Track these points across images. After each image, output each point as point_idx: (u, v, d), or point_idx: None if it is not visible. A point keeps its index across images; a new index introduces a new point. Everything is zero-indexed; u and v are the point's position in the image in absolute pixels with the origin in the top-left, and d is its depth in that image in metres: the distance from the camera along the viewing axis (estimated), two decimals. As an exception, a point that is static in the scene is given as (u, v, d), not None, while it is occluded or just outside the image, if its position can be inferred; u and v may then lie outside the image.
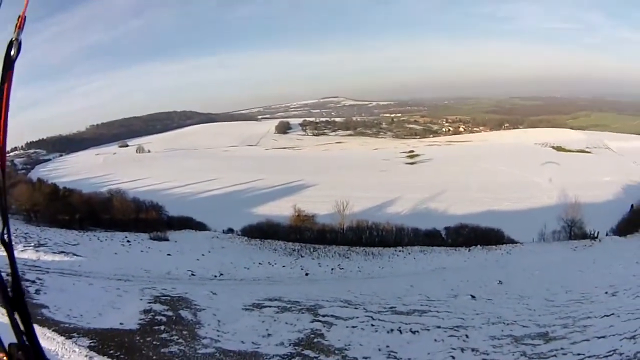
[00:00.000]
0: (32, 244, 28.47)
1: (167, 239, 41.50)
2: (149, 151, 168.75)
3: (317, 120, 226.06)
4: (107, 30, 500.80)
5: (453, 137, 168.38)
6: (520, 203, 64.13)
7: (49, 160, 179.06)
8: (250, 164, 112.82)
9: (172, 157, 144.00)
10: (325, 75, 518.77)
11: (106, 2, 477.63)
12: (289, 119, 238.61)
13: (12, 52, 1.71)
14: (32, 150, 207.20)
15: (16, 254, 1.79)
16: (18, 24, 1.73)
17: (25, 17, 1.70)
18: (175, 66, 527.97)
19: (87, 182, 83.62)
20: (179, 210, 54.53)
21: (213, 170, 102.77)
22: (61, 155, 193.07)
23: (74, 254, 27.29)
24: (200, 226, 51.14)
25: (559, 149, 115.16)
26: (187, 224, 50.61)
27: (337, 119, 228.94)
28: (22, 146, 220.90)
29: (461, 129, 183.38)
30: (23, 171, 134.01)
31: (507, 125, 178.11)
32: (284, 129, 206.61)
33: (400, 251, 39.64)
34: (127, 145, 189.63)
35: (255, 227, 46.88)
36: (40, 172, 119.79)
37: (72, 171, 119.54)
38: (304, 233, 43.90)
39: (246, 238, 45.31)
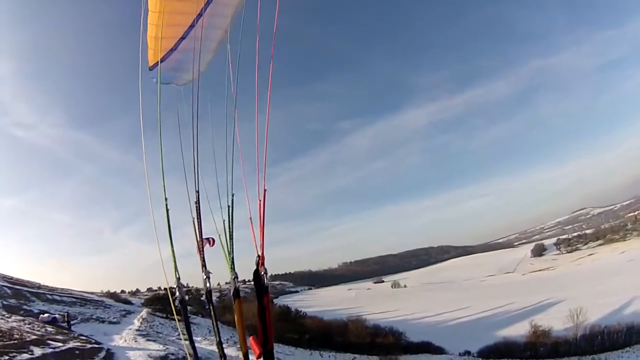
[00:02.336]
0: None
1: (399, 362, 43.14)
2: (405, 286, 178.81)
3: (570, 237, 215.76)
4: (349, 174, 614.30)
5: None
6: None
7: (297, 292, 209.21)
8: (504, 290, 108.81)
9: (428, 290, 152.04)
10: (570, 188, 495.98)
11: (346, 146, 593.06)
12: (543, 241, 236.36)
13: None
14: (277, 282, 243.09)
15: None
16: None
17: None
18: (429, 202, 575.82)
19: (332, 313, 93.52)
20: (421, 337, 57.43)
21: (467, 299, 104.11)
22: (310, 289, 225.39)
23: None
24: (438, 350, 52.89)
25: None
26: (425, 348, 52.69)
27: (587, 231, 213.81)
28: None
29: None
30: None
31: None
32: (539, 251, 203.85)
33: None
34: (382, 282, 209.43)
35: (492, 348, 47.24)
36: (285, 301, 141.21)
37: (320, 303, 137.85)
38: (538, 349, 41.83)
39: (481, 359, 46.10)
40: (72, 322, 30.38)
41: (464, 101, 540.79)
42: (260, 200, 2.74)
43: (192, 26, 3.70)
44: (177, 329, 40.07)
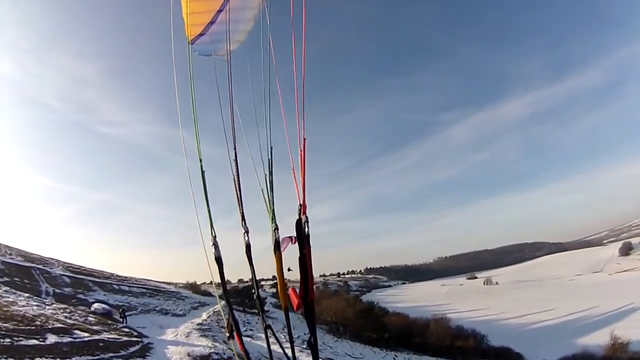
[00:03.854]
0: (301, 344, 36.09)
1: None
2: (496, 283, 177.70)
3: None
4: (448, 167, 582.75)
5: None
6: None
7: (389, 286, 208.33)
8: (590, 291, 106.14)
9: (517, 288, 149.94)
10: None
11: (446, 138, 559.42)
12: (631, 239, 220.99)
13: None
14: (371, 276, 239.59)
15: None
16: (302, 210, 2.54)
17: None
18: (525, 196, 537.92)
19: (421, 309, 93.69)
20: (504, 341, 57.68)
21: (554, 300, 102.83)
22: (404, 283, 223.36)
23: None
24: (517, 357, 52.80)
25: None
26: (504, 354, 52.34)
27: None
28: (360, 271, 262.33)
29: None
30: (357, 292, 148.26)
31: None
32: (626, 250, 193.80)
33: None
34: (475, 278, 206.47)
35: (569, 359, 47.41)
36: (377, 295, 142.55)
37: (411, 298, 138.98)
38: (614, 363, 43.43)
39: (557, 369, 45.81)
40: (127, 314, 29.51)
41: (560, 90, 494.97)
42: (301, 150, 2.64)
43: None
44: (249, 323, 38.36)
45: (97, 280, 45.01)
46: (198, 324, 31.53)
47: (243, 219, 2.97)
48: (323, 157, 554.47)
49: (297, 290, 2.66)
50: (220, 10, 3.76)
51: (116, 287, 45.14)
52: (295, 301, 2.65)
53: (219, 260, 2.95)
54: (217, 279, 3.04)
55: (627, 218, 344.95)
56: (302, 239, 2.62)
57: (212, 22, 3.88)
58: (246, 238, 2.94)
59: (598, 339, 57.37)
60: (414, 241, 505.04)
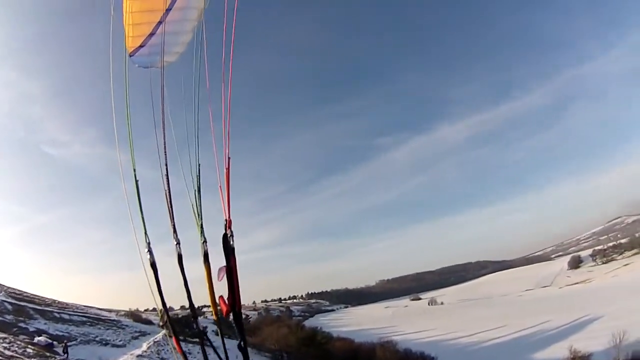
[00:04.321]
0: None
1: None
2: (442, 303, 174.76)
3: (605, 247, 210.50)
4: (386, 190, 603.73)
5: None
6: None
7: (332, 310, 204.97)
8: (542, 306, 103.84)
9: (464, 307, 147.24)
10: (606, 197, 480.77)
11: (384, 162, 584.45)
12: (580, 252, 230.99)
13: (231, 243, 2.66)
14: (313, 300, 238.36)
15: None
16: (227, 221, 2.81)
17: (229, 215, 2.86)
18: (466, 217, 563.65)
19: (367, 332, 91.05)
20: None
21: (504, 316, 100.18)
22: (346, 307, 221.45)
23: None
24: None
25: None
26: None
27: (622, 241, 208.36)
28: (301, 296, 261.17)
29: None
30: (300, 317, 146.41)
31: None
32: (576, 263, 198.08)
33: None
34: (419, 299, 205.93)
35: None
36: (321, 320, 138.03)
37: (355, 322, 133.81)
38: (577, 377, 39.93)
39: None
40: (69, 345, 29.52)
41: (499, 114, 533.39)
42: (226, 168, 3.03)
43: (168, 10, 3.87)
44: (191, 354, 36.15)
45: (38, 307, 44.66)
46: (138, 356, 32.67)
47: (175, 230, 3.21)
48: (261, 183, 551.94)
49: (227, 300, 2.99)
50: (160, 22, 3.89)
51: (57, 315, 44.67)
52: (224, 308, 2.99)
53: (153, 266, 3.15)
54: (154, 284, 3.24)
55: (574, 233, 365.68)
56: (229, 251, 2.98)
57: (152, 34, 3.98)
58: (178, 249, 3.16)
59: (556, 353, 53.94)
60: (354, 265, 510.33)
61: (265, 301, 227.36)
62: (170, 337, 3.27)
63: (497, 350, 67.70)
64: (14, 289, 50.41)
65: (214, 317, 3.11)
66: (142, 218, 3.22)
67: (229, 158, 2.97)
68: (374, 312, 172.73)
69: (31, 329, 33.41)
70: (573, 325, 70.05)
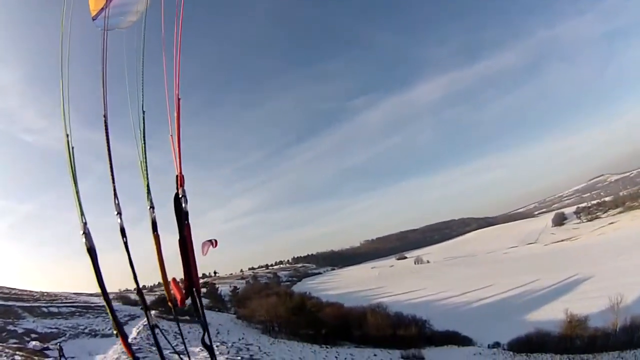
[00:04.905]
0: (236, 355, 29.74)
1: (422, 358, 39.74)
2: (428, 262, 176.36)
3: (589, 205, 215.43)
4: (364, 151, 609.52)
5: None
6: None
7: (319, 273, 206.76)
8: (528, 265, 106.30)
9: (451, 265, 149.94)
10: (586, 155, 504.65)
11: (359, 124, 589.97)
12: (563, 209, 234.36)
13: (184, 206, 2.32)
14: (300, 265, 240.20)
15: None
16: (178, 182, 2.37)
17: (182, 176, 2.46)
18: (445, 176, 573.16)
19: (354, 295, 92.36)
20: (448, 324, 54.15)
21: (491, 275, 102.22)
22: (333, 269, 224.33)
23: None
24: (465, 341, 49.07)
25: None
26: (451, 339, 48.91)
27: (606, 199, 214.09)
28: (288, 260, 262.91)
29: None
30: (288, 283, 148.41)
31: None
32: (560, 220, 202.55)
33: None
34: (405, 258, 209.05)
35: (523, 340, 43.31)
36: (308, 284, 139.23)
37: (342, 284, 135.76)
38: (574, 341, 39.52)
39: (511, 353, 42.55)
40: (57, 342, 28.52)
41: (473, 73, 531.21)
42: (176, 112, 2.39)
43: None
44: (182, 336, 35.53)
45: (26, 305, 43.52)
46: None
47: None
48: (238, 151, 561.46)
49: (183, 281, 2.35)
50: None
51: (45, 310, 43.23)
52: (178, 295, 2.30)
53: (91, 252, 2.55)
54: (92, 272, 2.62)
55: (556, 190, 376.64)
56: (181, 216, 2.32)
57: None
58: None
59: (548, 315, 54.19)
60: (338, 227, 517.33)
61: (253, 268, 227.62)
62: (117, 337, 2.49)
63: (486, 312, 68.51)
64: (1, 287, 50.61)
65: (169, 303, 2.39)
66: (77, 194, 2.58)
67: (179, 99, 2.41)
68: (361, 273, 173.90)
69: (20, 331, 32.22)
70: (563, 285, 70.99)
